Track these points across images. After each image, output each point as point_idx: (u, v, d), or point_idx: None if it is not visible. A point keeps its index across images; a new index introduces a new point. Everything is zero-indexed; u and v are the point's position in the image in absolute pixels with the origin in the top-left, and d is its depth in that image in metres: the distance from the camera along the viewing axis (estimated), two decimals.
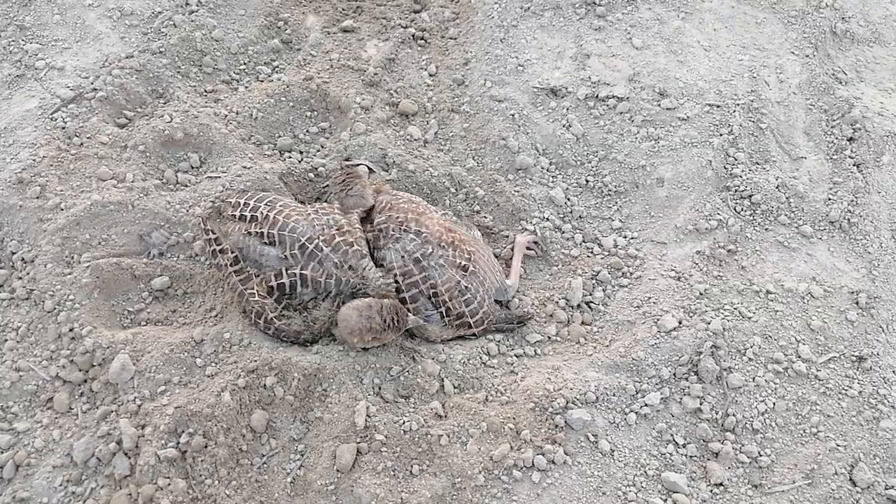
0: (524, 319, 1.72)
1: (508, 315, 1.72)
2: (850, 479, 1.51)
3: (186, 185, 1.86)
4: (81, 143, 1.85)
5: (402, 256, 1.64)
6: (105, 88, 1.95)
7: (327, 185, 1.89)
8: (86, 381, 1.54)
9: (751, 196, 1.90)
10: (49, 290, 1.62)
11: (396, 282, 1.62)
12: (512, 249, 1.82)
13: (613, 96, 2.07)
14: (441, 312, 1.64)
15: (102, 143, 1.86)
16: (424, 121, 2.09)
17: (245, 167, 1.85)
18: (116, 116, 1.95)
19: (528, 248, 1.84)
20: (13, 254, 1.67)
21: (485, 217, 1.90)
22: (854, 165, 2.00)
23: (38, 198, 1.72)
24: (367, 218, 1.74)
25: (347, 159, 1.93)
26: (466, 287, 1.65)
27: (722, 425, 1.57)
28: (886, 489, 1.50)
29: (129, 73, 1.99)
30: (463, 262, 1.67)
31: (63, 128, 1.87)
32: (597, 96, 2.07)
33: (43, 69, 1.98)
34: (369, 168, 1.91)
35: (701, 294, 1.73)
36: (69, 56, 2.02)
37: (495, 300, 1.73)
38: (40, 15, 2.08)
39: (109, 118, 1.93)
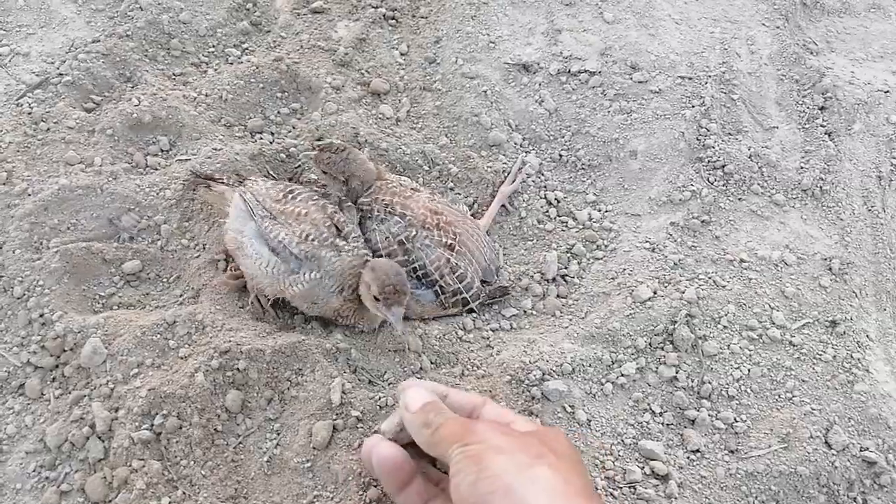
0: (504, 292, 1.72)
1: (489, 290, 1.71)
2: (826, 442, 1.52)
3: (156, 169, 1.84)
4: (48, 129, 1.83)
5: (387, 237, 1.64)
6: (71, 73, 1.93)
7: (299, 166, 1.87)
8: (57, 366, 1.52)
9: (724, 166, 1.90)
10: (18, 276, 1.60)
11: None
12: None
13: (585, 71, 2.07)
14: (435, 291, 1.64)
15: (70, 127, 1.84)
16: (396, 99, 2.08)
17: (216, 149, 1.84)
18: (83, 101, 1.92)
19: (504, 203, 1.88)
20: None
21: (458, 195, 1.89)
22: (825, 134, 2.00)
23: (4, 184, 1.70)
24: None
25: (319, 139, 1.91)
26: (457, 264, 1.65)
27: (698, 393, 1.58)
28: (861, 451, 1.51)
29: (96, 58, 1.96)
30: (449, 242, 1.67)
31: (29, 113, 1.84)
32: (569, 71, 2.07)
33: (7, 55, 1.95)
34: None
35: (675, 264, 1.74)
36: (34, 42, 2.00)
37: (481, 281, 1.73)
38: (3, 1, 2.05)
39: (76, 103, 1.91)
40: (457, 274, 1.65)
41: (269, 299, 1.62)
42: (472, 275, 1.68)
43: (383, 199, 1.69)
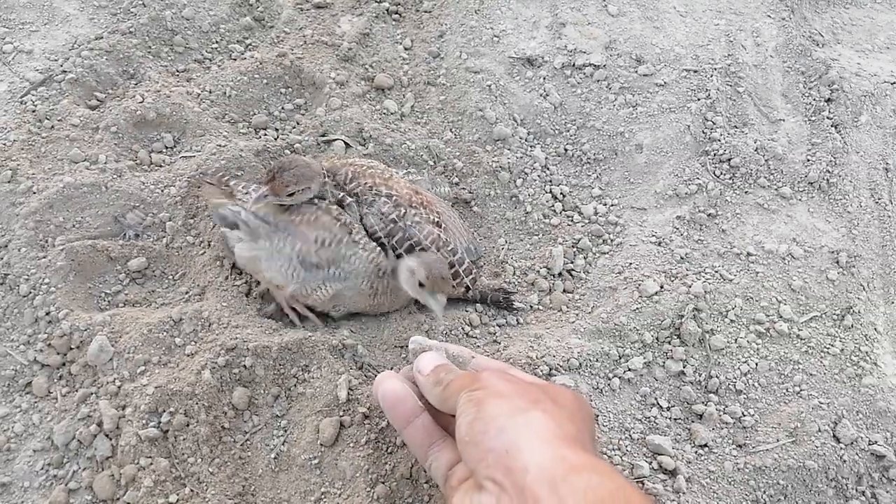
0: (508, 294, 1.70)
1: (494, 287, 1.69)
2: (834, 436, 1.51)
3: (161, 166, 1.83)
4: (52, 126, 1.82)
5: (381, 219, 1.62)
6: (75, 70, 1.92)
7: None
8: (64, 364, 1.53)
9: (730, 159, 1.89)
10: (24, 274, 1.60)
11: (383, 244, 1.60)
12: None
13: (590, 64, 2.06)
14: None
15: (74, 125, 1.83)
16: (401, 94, 2.07)
17: (220, 146, 1.83)
18: (87, 98, 1.92)
19: None
20: None
21: (463, 189, 1.88)
22: (832, 126, 1.99)
23: (9, 182, 1.70)
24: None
25: (323, 135, 1.91)
26: (447, 240, 1.64)
27: (705, 387, 1.57)
28: (870, 444, 1.50)
29: (99, 55, 1.96)
30: (436, 219, 1.66)
31: (33, 111, 1.84)
32: (573, 65, 2.06)
33: (11, 53, 1.95)
34: (346, 143, 1.89)
35: (682, 258, 1.73)
36: (37, 39, 1.99)
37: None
38: None
39: (80, 100, 1.90)
40: (449, 248, 1.64)
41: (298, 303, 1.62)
42: (462, 250, 1.67)
43: (366, 183, 1.66)
